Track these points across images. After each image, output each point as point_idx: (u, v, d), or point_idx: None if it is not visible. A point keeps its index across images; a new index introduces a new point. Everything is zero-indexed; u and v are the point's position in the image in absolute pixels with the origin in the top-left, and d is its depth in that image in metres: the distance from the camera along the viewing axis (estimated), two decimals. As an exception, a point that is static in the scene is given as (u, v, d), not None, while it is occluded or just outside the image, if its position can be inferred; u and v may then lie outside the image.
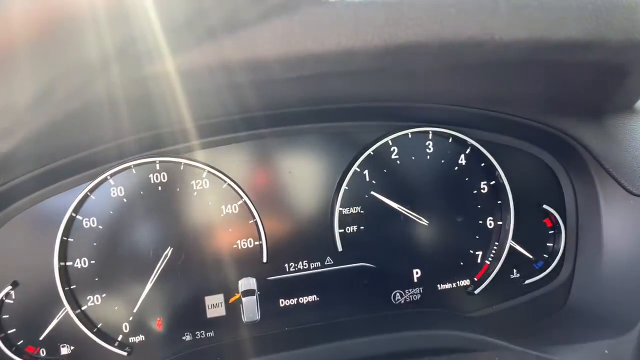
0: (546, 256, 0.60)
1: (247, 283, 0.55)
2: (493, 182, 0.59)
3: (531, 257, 0.59)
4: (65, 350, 0.54)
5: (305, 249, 0.56)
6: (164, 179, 0.54)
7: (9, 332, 0.53)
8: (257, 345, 0.52)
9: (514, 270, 0.60)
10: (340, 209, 0.56)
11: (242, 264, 0.55)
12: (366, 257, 0.58)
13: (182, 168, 0.55)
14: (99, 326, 0.54)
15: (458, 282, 0.59)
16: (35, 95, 0.24)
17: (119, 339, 0.55)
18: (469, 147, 0.58)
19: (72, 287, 0.53)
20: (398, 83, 0.46)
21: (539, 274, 0.60)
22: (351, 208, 0.57)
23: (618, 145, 0.54)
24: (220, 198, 0.55)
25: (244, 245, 0.55)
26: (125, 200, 0.54)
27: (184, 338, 0.55)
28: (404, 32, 0.32)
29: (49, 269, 0.52)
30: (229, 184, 0.55)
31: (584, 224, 0.58)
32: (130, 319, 0.54)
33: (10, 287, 0.53)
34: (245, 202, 0.55)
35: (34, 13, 0.22)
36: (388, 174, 0.57)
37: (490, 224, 0.59)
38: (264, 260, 0.55)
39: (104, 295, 0.54)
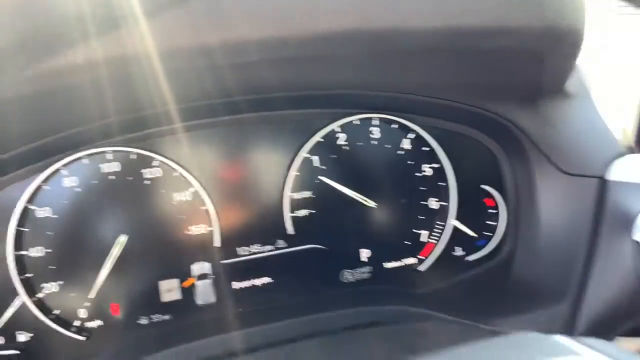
0: (488, 234, 0.63)
1: (201, 267, 0.57)
2: (436, 165, 0.61)
3: (474, 235, 0.63)
4: (22, 337, 0.55)
5: (258, 233, 0.58)
6: (117, 168, 0.56)
7: (-34, 322, 0.54)
8: (212, 325, 0.55)
9: (458, 248, 0.63)
10: (291, 194, 0.58)
11: (195, 249, 0.57)
12: (317, 239, 0.60)
13: (133, 157, 0.56)
14: (56, 312, 0.56)
15: (405, 261, 0.62)
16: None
17: (77, 324, 0.56)
18: (413, 133, 0.61)
19: (28, 275, 0.55)
20: (337, 71, 0.48)
21: (482, 251, 0.63)
22: (301, 193, 0.59)
23: (552, 127, 0.57)
24: (172, 186, 0.56)
25: (197, 231, 0.57)
26: (78, 190, 0.55)
27: (140, 322, 0.57)
28: (321, 21, 0.33)
29: (3, 258, 0.54)
30: (180, 173, 0.56)
31: (523, 202, 0.61)
32: (87, 305, 0.56)
33: (-34, 277, 0.54)
34: (196, 189, 0.56)
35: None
36: (337, 160, 0.59)
37: (434, 205, 0.62)
38: (217, 244, 0.57)
39: (60, 282, 0.55)
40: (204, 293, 0.57)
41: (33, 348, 0.56)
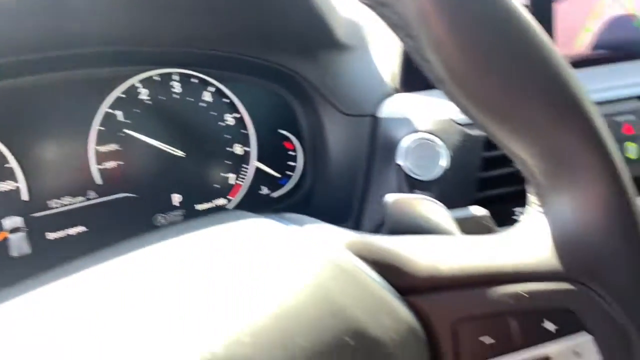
0: (290, 173, 0.71)
1: (13, 222, 0.60)
2: (237, 115, 0.68)
3: (277, 175, 0.71)
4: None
5: (67, 186, 0.62)
6: None
7: None
8: (30, 275, 0.58)
9: (264, 187, 0.71)
10: (96, 147, 0.63)
11: (5, 205, 0.60)
12: (127, 188, 0.65)
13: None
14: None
15: (215, 202, 0.69)
16: None
17: None
18: (212, 87, 0.67)
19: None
20: (97, 24, 0.53)
21: (285, 188, 0.72)
22: (107, 146, 0.63)
23: (331, 75, 0.66)
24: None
25: (3, 188, 0.60)
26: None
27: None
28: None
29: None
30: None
31: (316, 143, 0.70)
32: None
33: None
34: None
35: None
36: (141, 114, 0.64)
37: (239, 151, 0.69)
38: (25, 199, 0.61)
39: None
40: (18, 245, 0.61)
41: None
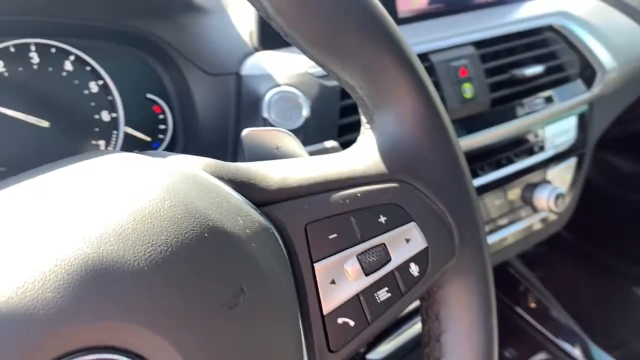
0: (161, 136, 0.73)
1: None
2: (101, 82, 0.68)
3: (147, 139, 0.72)
4: None
5: None
6: None
7: None
8: None
9: (136, 151, 0.72)
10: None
11: None
12: (-7, 161, 0.64)
13: None
14: None
15: (88, 171, 0.70)
16: None
17: None
18: (72, 55, 0.66)
19: None
20: None
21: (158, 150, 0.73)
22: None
23: (191, 37, 0.68)
24: None
25: None
26: None
27: None
28: None
29: None
30: None
31: (184, 105, 0.72)
32: None
33: None
34: None
35: None
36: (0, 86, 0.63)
37: (106, 117, 0.69)
38: None
39: None
40: None
41: None
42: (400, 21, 0.78)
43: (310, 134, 0.65)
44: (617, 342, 1.01)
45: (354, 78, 0.33)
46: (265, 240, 0.28)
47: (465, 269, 0.37)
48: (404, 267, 0.33)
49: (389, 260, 0.33)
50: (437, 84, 0.72)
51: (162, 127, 0.72)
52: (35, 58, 0.64)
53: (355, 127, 0.71)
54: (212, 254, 0.25)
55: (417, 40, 0.73)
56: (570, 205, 0.87)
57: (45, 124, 0.65)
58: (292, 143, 0.38)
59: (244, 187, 0.30)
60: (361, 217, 0.33)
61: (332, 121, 0.67)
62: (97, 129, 0.69)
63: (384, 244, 0.33)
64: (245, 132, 0.38)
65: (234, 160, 0.72)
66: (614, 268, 1.60)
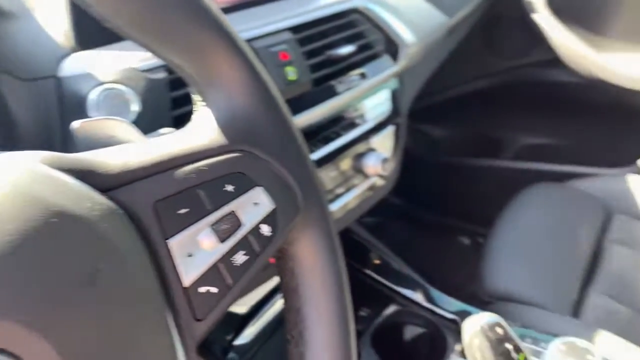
0: None
1: None
2: None
3: None
4: None
5: None
6: None
7: None
8: None
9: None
10: None
11: None
12: None
13: None
14: None
15: None
16: None
17: None
18: None
19: None
20: None
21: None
22: None
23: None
24: None
25: None
26: None
27: None
28: None
29: None
30: None
31: (1, 115, 0.67)
32: None
33: None
34: None
35: None
36: None
37: None
38: None
39: None
40: None
41: None
42: (218, 12, 0.80)
43: (144, 129, 0.64)
44: (455, 286, 1.15)
45: (182, 57, 0.34)
46: (116, 221, 0.29)
47: (311, 223, 0.41)
48: (255, 229, 0.36)
49: (240, 225, 0.35)
50: (262, 69, 0.75)
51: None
52: None
53: (190, 118, 0.71)
54: (62, 237, 0.25)
55: (237, 29, 0.76)
56: (395, 169, 0.97)
57: None
58: (126, 129, 0.38)
59: (84, 175, 0.30)
60: (208, 188, 0.34)
61: (165, 113, 0.67)
62: None
63: (233, 211, 0.35)
64: (75, 124, 0.37)
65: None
66: (440, 224, 1.80)
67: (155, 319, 0.30)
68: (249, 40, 0.75)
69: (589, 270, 1.15)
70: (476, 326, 0.68)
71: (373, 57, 0.92)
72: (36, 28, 0.67)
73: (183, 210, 0.33)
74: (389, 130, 0.95)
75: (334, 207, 0.86)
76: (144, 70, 0.66)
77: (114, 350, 0.26)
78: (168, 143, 0.35)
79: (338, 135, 0.88)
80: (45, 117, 0.66)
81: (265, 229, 0.36)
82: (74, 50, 0.68)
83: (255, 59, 0.37)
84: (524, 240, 1.20)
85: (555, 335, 0.79)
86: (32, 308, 0.23)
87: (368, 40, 0.91)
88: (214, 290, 0.34)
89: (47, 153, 0.31)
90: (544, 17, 1.43)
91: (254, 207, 0.36)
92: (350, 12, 0.89)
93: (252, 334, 0.89)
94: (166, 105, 0.67)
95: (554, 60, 1.47)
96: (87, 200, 0.28)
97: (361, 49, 0.89)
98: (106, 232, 0.27)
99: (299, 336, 0.42)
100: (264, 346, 0.88)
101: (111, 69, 0.65)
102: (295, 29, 0.81)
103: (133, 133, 0.38)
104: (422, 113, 1.73)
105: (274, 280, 0.90)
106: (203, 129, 0.36)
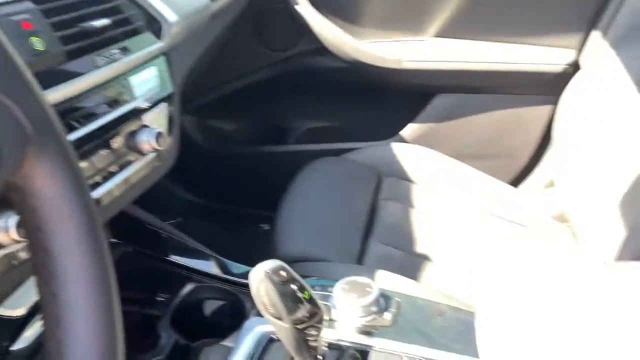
0: None
1: None
2: None
3: None
4: None
5: None
6: None
7: None
8: None
9: None
10: None
11: None
12: None
13: None
14: None
15: None
16: None
17: None
18: None
19: None
20: None
21: None
22: None
23: None
24: None
25: None
26: None
27: None
28: None
29: None
30: None
31: None
32: None
33: None
34: None
35: None
36: None
37: None
38: None
39: None
40: None
41: None
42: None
43: None
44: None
45: None
46: None
47: (46, 154, 0.39)
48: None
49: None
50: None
51: None
52: None
53: None
54: None
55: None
56: (173, 148, 0.97)
57: None
58: None
59: None
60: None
61: None
62: None
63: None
64: None
65: None
66: (241, 215, 1.83)
67: None
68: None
69: (368, 225, 1.28)
70: (260, 273, 0.71)
71: (133, 33, 0.91)
72: None
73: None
74: (162, 107, 0.95)
75: (106, 187, 0.83)
76: None
77: None
78: None
79: (106, 111, 0.85)
80: None
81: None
82: None
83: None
84: (310, 207, 1.29)
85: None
86: None
87: (125, 15, 0.90)
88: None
89: None
90: (305, 9, 1.55)
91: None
92: (103, -13, 0.87)
93: (31, 336, 0.81)
94: None
95: (321, 49, 1.61)
96: None
97: (118, 23, 0.88)
98: None
99: (50, 275, 0.40)
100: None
101: None
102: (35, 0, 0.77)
103: None
104: (210, 108, 1.76)
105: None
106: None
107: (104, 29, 0.83)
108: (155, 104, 0.94)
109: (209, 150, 1.81)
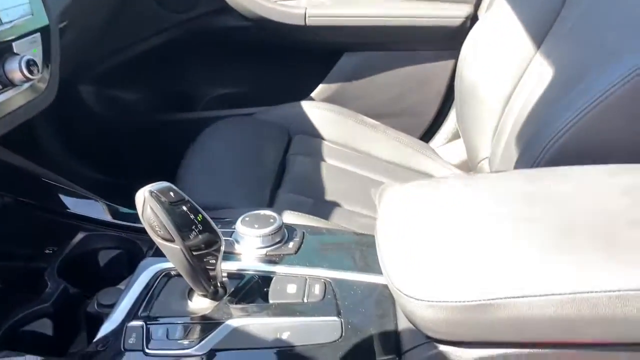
0: None
1: None
2: None
3: None
4: None
5: None
6: None
7: None
8: None
9: None
10: None
11: None
12: None
13: None
14: None
15: None
16: None
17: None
18: None
19: None
20: None
21: None
22: None
23: None
24: None
25: None
26: None
27: None
28: None
29: None
30: None
31: None
32: None
33: None
34: None
35: None
36: None
37: None
38: None
39: None
40: None
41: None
42: None
43: None
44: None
45: None
46: None
47: None
48: None
49: None
50: None
51: None
52: None
53: None
54: None
55: None
56: (51, 83, 0.88)
57: None
58: None
59: None
60: None
61: None
62: None
63: None
64: None
65: None
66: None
67: None
68: None
69: (277, 177, 1.25)
70: (146, 192, 0.65)
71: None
72: None
73: None
74: (36, 38, 0.86)
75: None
76: None
77: None
78: None
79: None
80: None
81: None
82: None
83: None
84: (214, 161, 1.24)
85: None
86: None
87: None
88: None
89: None
90: (205, -34, 1.50)
91: None
92: None
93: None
94: None
95: (223, 8, 1.56)
96: None
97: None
98: None
99: None
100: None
101: None
102: None
103: None
104: (109, 77, 1.66)
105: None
106: None
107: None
108: (29, 34, 0.85)
109: (111, 123, 1.71)
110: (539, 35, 1.11)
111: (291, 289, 0.72)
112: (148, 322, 0.68)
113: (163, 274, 0.77)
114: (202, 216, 0.69)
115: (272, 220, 0.83)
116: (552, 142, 0.87)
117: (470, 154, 1.36)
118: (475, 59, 1.38)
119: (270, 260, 0.79)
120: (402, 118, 1.62)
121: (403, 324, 0.66)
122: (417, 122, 1.65)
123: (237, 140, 1.33)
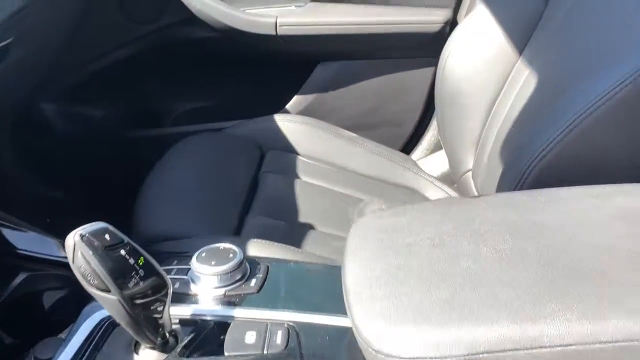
0: None
1: None
2: None
3: None
4: None
5: None
6: None
7: None
8: None
9: None
10: None
11: None
12: None
13: None
14: None
15: None
16: None
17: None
18: None
19: None
20: None
21: None
22: None
23: None
24: None
25: None
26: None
27: None
28: None
29: None
30: None
31: None
32: None
33: None
34: None
35: None
36: None
37: None
38: None
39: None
40: None
41: None
42: None
43: None
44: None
45: None
46: None
47: None
48: None
49: None
50: None
51: None
52: None
53: None
54: None
55: None
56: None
57: None
58: None
59: None
60: None
61: None
62: None
63: None
64: None
65: None
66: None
67: None
68: None
69: (248, 199, 1.16)
70: (76, 237, 0.57)
71: None
72: None
73: None
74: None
75: None
76: None
77: None
78: None
79: None
80: None
81: None
82: None
83: None
84: (177, 183, 1.15)
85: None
86: None
87: None
88: None
89: None
90: (169, -26, 1.41)
91: None
92: None
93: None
94: None
95: (190, 19, 1.48)
96: None
97: None
98: None
99: None
100: None
101: None
102: None
103: None
104: (73, 93, 1.56)
105: None
106: None
107: None
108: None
109: (76, 141, 1.61)
110: (523, 38, 1.05)
111: (250, 337, 0.64)
112: (88, 381, 0.59)
113: (108, 321, 0.68)
114: (144, 259, 0.60)
115: (231, 255, 0.74)
116: (538, 157, 0.80)
117: (453, 166, 1.28)
118: (455, 65, 1.31)
119: (229, 301, 0.70)
120: (382, 129, 1.55)
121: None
122: (397, 133, 1.57)
123: (205, 158, 1.24)
